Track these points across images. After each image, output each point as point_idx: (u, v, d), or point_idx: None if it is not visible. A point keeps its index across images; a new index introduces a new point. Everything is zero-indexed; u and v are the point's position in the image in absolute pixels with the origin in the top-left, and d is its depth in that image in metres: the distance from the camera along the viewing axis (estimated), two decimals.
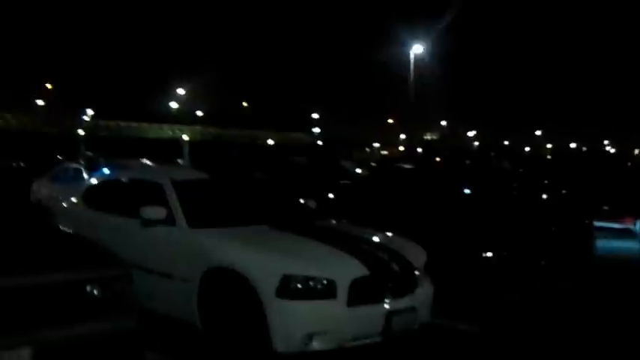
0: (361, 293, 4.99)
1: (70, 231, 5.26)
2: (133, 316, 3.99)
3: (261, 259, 5.06)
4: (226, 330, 5.08)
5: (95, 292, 3.84)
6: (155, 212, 5.75)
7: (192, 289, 5.28)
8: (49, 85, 57.53)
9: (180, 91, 61.32)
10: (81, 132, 60.45)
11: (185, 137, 65.90)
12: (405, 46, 35.80)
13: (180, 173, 6.96)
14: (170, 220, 5.75)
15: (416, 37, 35.67)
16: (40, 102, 60.11)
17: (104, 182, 7.23)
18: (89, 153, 38.64)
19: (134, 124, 65.10)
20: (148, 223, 5.79)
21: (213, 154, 40.07)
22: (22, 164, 17.81)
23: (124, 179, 6.92)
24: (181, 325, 5.51)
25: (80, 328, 3.70)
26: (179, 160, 33.96)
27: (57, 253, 4.16)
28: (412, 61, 35.60)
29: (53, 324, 3.63)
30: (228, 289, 5.11)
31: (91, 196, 6.99)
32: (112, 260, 4.18)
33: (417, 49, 35.73)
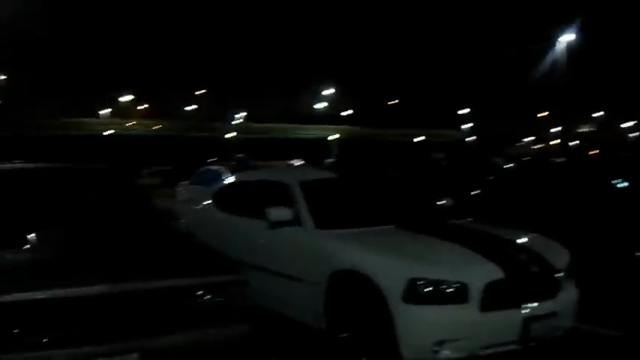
0: (496, 297, 4.64)
1: (187, 234, 5.30)
2: (247, 323, 3.90)
3: (385, 262, 4.84)
4: (353, 335, 4.92)
5: (208, 297, 3.78)
6: (281, 213, 5.73)
7: (318, 293, 5.17)
8: (201, 91, 60.82)
9: (327, 92, 62.37)
10: (231, 135, 63.32)
11: (333, 137, 66.98)
12: (556, 37, 34.08)
13: (307, 173, 6.92)
14: (296, 222, 5.70)
15: (567, 27, 33.82)
16: (191, 107, 63.69)
17: (233, 184, 7.34)
18: (240, 155, 40.38)
19: (282, 126, 66.98)
20: (275, 224, 5.77)
21: (361, 153, 40.21)
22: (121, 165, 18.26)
23: (251, 181, 6.98)
24: (307, 329, 5.44)
25: (191, 334, 3.66)
26: (329, 160, 34.42)
27: (169, 258, 4.15)
28: (565, 51, 33.73)
29: (164, 330, 3.61)
30: (354, 293, 4.94)
31: (220, 198, 7.12)
32: (226, 265, 4.12)
33: (568, 38, 33.90)
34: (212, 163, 18.60)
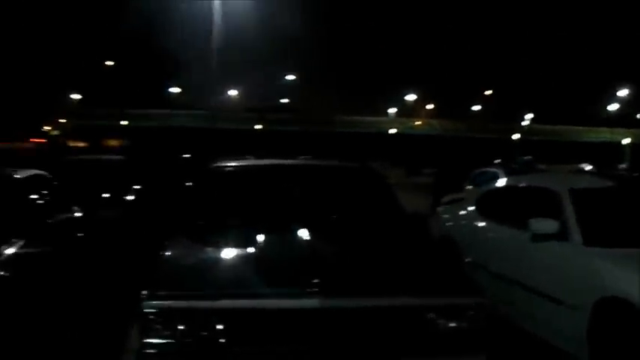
0: None
1: (443, 239, 4.91)
2: (484, 353, 3.39)
3: None
4: None
5: (441, 321, 3.35)
6: (546, 225, 5.11)
7: (580, 318, 4.50)
8: (488, 92, 59.69)
9: (622, 93, 56.74)
10: (517, 136, 61.28)
11: (627, 141, 60.89)
12: None
13: (580, 180, 6.10)
14: (562, 235, 5.04)
15: None
16: (477, 107, 62.81)
17: (498, 189, 6.88)
18: (526, 157, 38.73)
19: (570, 128, 62.99)
20: (537, 237, 5.18)
21: None
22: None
23: (518, 186, 6.41)
24: (562, 355, 4.83)
25: None
26: (622, 165, 31.32)
27: (404, 269, 3.80)
28: None
29: (383, 356, 3.28)
30: (627, 326, 4.18)
31: (483, 202, 6.73)
32: (467, 283, 3.66)
33: None
34: (495, 165, 17.84)
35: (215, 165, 5.62)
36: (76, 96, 52.22)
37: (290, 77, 55.54)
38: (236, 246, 4.17)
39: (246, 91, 58.71)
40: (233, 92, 56.74)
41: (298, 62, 55.39)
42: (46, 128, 49.89)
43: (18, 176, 6.13)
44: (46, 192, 6.68)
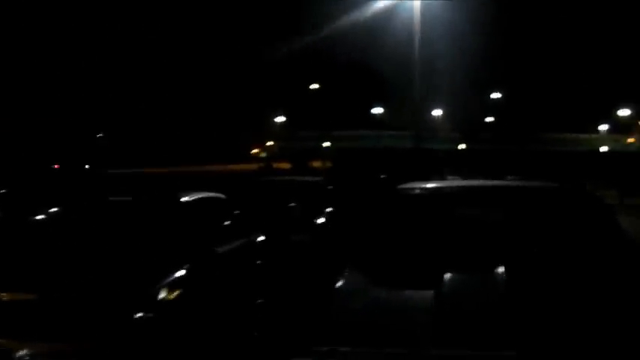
0: None
1: None
2: None
3: None
4: None
5: None
6: None
7: None
8: None
9: None
10: None
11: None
12: None
13: None
14: None
15: None
16: None
17: None
18: None
19: None
20: None
21: None
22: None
23: None
24: None
25: None
26: None
27: None
28: None
29: None
30: None
31: None
32: None
33: None
34: None
35: (404, 187, 5.14)
36: (281, 118, 54.68)
37: (495, 95, 53.55)
38: (420, 285, 3.68)
39: (450, 110, 57.71)
40: (437, 112, 56.03)
41: (502, 78, 52.94)
42: (255, 151, 52.93)
43: (186, 199, 5.73)
44: (219, 216, 6.36)
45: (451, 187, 5.19)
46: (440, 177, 21.78)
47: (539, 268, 3.77)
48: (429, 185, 5.20)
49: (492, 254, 3.88)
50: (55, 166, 34.15)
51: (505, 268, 3.55)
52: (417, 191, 5.01)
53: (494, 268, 3.58)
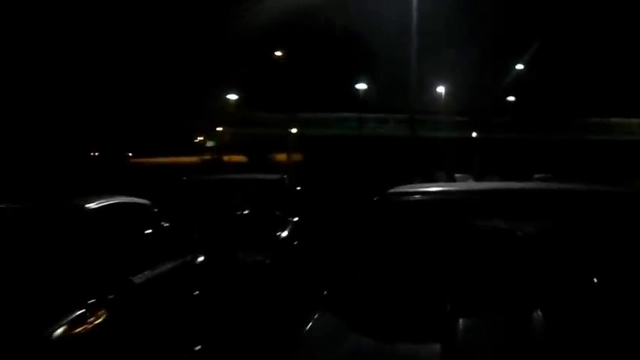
0: None
1: None
2: None
3: None
4: None
5: None
6: None
7: None
8: None
9: None
10: None
11: None
12: None
13: None
14: None
15: None
16: None
17: None
18: None
19: None
20: None
21: None
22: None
23: None
24: None
25: None
26: None
27: None
28: None
29: None
30: None
31: None
32: None
33: None
34: None
35: (398, 191, 5.02)
36: (233, 96, 54.44)
37: (518, 67, 53.97)
38: (422, 334, 3.52)
39: (456, 88, 58.10)
40: (440, 90, 56.37)
41: (527, 44, 53.32)
42: (199, 139, 52.80)
43: (90, 206, 5.55)
44: (138, 230, 6.20)
45: (465, 192, 5.01)
46: (448, 176, 21.96)
47: (601, 310, 3.59)
48: (434, 189, 5.02)
49: (527, 289, 3.79)
50: None
51: (545, 310, 3.33)
52: (417, 198, 4.84)
53: (530, 310, 3.37)
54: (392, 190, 4.96)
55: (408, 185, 5.19)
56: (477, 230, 4.45)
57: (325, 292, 4.11)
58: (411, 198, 4.81)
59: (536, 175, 28.11)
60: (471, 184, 5.40)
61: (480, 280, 3.95)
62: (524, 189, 4.97)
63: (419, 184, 5.22)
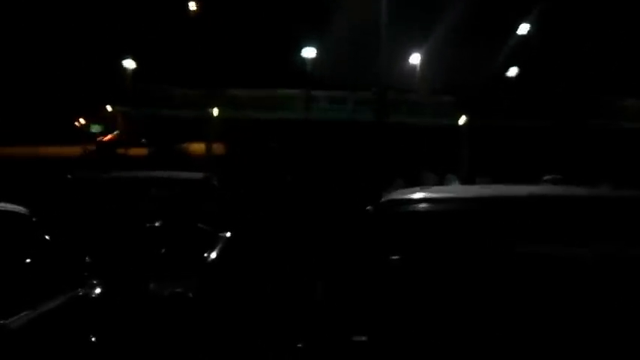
0: None
1: None
2: None
3: None
4: None
5: None
6: None
7: None
8: None
9: None
10: None
11: None
12: None
13: None
14: None
15: None
16: None
17: None
18: None
19: None
20: None
21: None
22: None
23: None
24: None
25: None
26: None
27: None
28: None
29: None
30: None
31: None
32: None
33: None
34: None
35: (395, 199, 5.28)
36: (130, 63, 54.34)
37: (521, 31, 55.28)
38: None
39: (438, 58, 59.03)
40: (415, 60, 57.17)
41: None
42: (80, 122, 52.46)
43: None
44: (9, 250, 6.10)
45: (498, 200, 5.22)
46: (440, 177, 22.41)
47: None
48: (446, 195, 5.26)
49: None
50: None
51: None
52: (428, 207, 4.93)
53: None
54: (389, 198, 5.01)
55: (408, 190, 5.29)
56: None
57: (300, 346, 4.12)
58: (421, 208, 4.84)
59: (546, 177, 28.65)
60: (498, 189, 5.49)
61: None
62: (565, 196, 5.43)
63: (425, 188, 5.48)
